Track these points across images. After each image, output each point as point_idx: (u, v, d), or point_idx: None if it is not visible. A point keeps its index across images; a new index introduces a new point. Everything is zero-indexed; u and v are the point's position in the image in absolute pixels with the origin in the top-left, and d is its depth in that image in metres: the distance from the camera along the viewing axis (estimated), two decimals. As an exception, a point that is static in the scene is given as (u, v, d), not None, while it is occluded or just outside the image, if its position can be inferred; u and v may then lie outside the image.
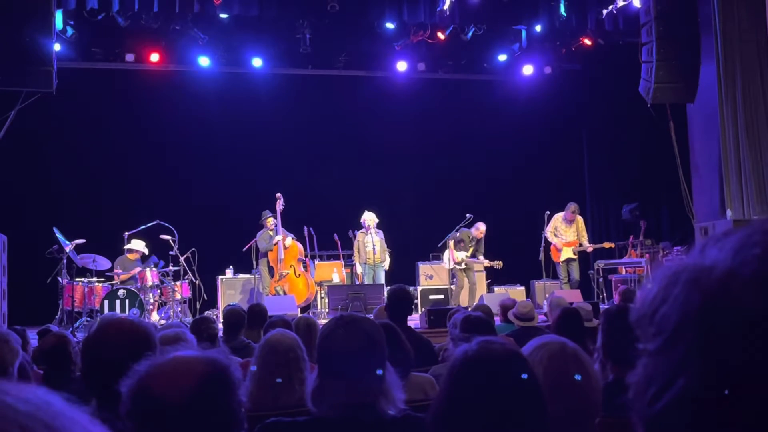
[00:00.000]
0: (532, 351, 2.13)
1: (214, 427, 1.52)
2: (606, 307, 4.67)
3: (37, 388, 0.62)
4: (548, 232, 12.13)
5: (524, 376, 1.74)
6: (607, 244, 12.39)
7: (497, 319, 7.08)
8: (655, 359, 0.70)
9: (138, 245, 11.11)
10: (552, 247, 12.16)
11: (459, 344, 1.90)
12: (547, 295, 11.56)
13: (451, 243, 12.01)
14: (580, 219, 12.28)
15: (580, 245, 12.08)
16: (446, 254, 12.11)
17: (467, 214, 12.03)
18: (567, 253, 12.02)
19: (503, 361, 1.76)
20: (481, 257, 12.05)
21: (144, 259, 11.18)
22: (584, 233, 12.25)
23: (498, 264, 11.93)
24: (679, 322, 0.67)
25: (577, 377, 1.81)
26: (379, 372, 2.25)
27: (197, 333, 4.87)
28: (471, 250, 11.98)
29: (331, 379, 2.24)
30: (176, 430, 1.25)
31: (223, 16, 11.95)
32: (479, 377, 1.74)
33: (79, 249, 10.45)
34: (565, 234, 12.09)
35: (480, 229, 12.02)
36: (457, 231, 12.03)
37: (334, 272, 11.88)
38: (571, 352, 2.11)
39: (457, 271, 11.99)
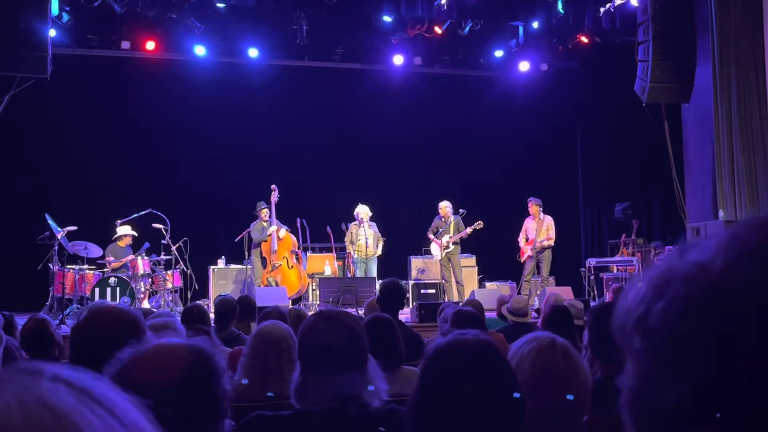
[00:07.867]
0: (522, 344, 2.13)
1: (197, 416, 1.51)
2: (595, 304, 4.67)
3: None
4: (520, 238, 12.10)
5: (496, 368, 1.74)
6: (546, 243, 12.09)
7: (493, 313, 7.12)
8: (640, 362, 0.69)
9: (125, 230, 11.07)
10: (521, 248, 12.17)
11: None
12: (538, 292, 11.60)
13: (431, 235, 12.09)
14: (548, 218, 11.99)
15: (534, 242, 11.93)
16: (432, 247, 12.16)
17: (460, 210, 12.04)
18: (527, 251, 12.00)
19: (473, 352, 1.76)
20: (462, 230, 11.89)
21: (135, 249, 11.11)
22: (548, 232, 11.93)
23: (479, 224, 11.75)
24: (664, 325, 0.66)
25: (570, 397, 1.79)
26: (360, 365, 2.24)
27: (188, 323, 4.83)
28: (451, 231, 11.90)
29: (313, 375, 2.22)
30: (159, 418, 1.24)
31: (220, 5, 11.90)
32: (450, 369, 1.74)
33: (70, 236, 10.41)
34: (532, 233, 12.00)
35: (442, 206, 12.00)
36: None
37: (326, 264, 11.88)
38: (561, 347, 2.10)
39: (443, 267, 11.95)
